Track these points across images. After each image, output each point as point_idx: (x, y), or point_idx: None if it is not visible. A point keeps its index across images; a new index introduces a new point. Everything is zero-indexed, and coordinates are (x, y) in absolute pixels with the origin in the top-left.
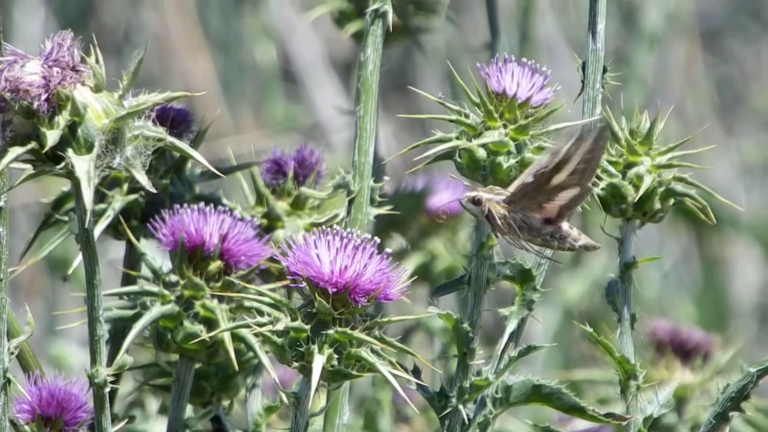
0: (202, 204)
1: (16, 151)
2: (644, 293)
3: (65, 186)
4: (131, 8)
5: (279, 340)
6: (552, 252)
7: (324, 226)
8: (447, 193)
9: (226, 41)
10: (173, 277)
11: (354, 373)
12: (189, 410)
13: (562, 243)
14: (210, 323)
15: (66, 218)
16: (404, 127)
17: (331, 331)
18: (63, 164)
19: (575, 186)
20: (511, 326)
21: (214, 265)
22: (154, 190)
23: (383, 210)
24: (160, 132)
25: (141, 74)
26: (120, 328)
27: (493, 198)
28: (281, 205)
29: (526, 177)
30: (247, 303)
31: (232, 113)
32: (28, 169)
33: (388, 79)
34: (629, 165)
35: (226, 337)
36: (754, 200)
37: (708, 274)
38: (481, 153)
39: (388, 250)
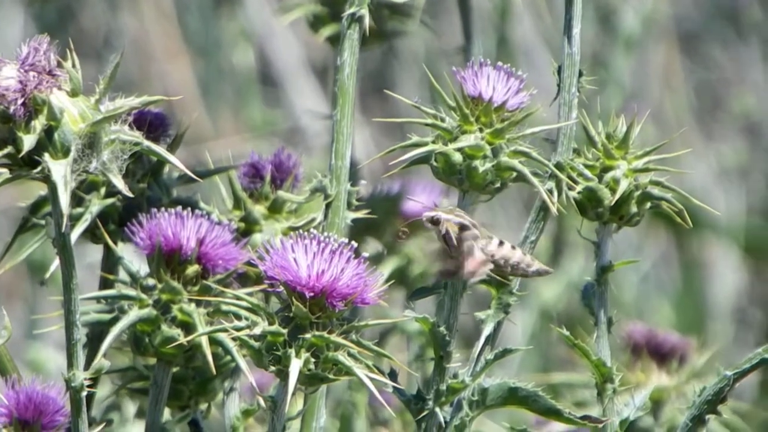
0: (179, 208)
1: None
2: (623, 296)
3: (43, 190)
4: (111, 13)
5: (256, 344)
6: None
7: (301, 230)
8: (423, 197)
9: (204, 45)
10: (151, 281)
11: (331, 376)
12: (167, 414)
13: (515, 269)
14: (187, 327)
15: (43, 222)
16: (382, 130)
17: (308, 335)
18: (39, 168)
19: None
20: (487, 329)
21: (192, 269)
22: (131, 194)
23: (360, 214)
24: (137, 136)
25: (121, 78)
26: (98, 332)
27: (452, 219)
28: (259, 209)
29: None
30: (224, 307)
31: (212, 117)
32: (5, 173)
33: (365, 82)
34: (606, 169)
35: (204, 341)
36: (732, 204)
37: (687, 277)
38: (457, 157)
39: (365, 254)
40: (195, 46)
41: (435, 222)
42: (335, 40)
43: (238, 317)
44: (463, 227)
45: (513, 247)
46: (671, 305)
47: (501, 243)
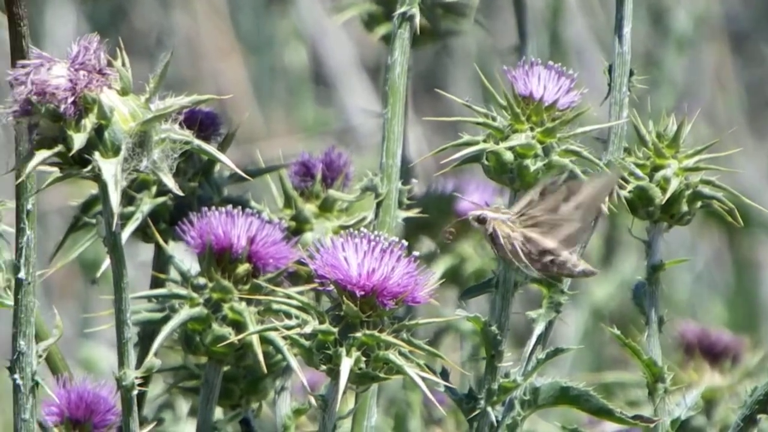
0: (230, 207)
1: (42, 154)
2: (675, 295)
3: (94, 189)
4: (163, 11)
5: (307, 343)
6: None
7: (352, 229)
8: (476, 196)
9: (257, 44)
10: (201, 280)
11: (381, 375)
12: (218, 413)
13: (561, 268)
14: (238, 326)
15: (94, 221)
16: (434, 128)
17: (358, 334)
18: (90, 167)
19: (577, 221)
20: (538, 328)
21: (242, 268)
22: (181, 193)
23: (412, 213)
24: (188, 135)
25: (172, 77)
26: (149, 331)
27: (499, 218)
28: (309, 208)
29: (533, 194)
30: (275, 306)
31: (264, 116)
32: (55, 172)
33: (417, 81)
34: (656, 168)
35: (255, 339)
36: None
37: (739, 276)
38: (508, 156)
39: (416, 252)
40: (247, 45)
41: (481, 221)
42: (390, 40)
43: (289, 316)
44: (511, 222)
45: (563, 246)
46: (724, 304)
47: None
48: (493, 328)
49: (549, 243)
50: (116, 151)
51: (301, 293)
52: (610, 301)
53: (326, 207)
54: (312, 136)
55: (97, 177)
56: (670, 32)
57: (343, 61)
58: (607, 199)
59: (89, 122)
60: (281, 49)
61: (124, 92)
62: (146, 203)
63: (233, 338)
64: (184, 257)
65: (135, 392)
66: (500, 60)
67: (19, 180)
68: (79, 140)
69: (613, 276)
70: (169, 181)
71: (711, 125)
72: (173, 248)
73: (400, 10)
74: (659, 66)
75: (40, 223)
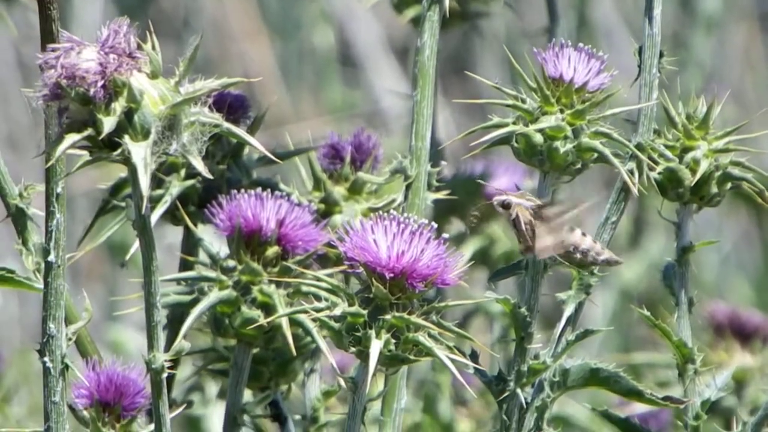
0: (259, 189)
1: (72, 137)
2: (703, 276)
3: (123, 172)
4: None
5: (336, 325)
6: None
7: (381, 211)
8: (505, 178)
9: (284, 26)
10: (230, 263)
11: (411, 357)
12: (247, 395)
13: (585, 257)
14: (267, 308)
15: (123, 204)
16: (463, 111)
17: (388, 316)
18: (120, 151)
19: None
20: (568, 310)
21: (272, 251)
22: (210, 176)
23: (441, 195)
24: (217, 118)
25: (199, 59)
26: (178, 314)
27: (523, 204)
28: (338, 190)
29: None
30: (304, 288)
31: (292, 99)
32: (85, 155)
33: (446, 63)
34: (686, 149)
35: (284, 322)
36: None
37: (767, 257)
38: (538, 138)
39: (446, 235)
40: (275, 27)
41: (506, 206)
42: (419, 22)
43: (318, 298)
44: (534, 210)
45: (583, 234)
46: (751, 285)
47: (572, 229)
48: (523, 309)
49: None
50: (146, 135)
51: (330, 275)
52: (638, 283)
53: (355, 189)
54: (340, 119)
55: (126, 160)
56: (699, 13)
57: (371, 43)
58: (636, 179)
59: (119, 106)
60: (309, 31)
61: (153, 75)
62: (175, 186)
63: (262, 321)
64: (213, 240)
65: (164, 375)
66: (529, 42)
67: (49, 163)
68: (108, 124)
69: (642, 257)
70: (199, 164)
71: (739, 106)
72: (202, 231)
73: None
74: (687, 47)
75: (67, 207)
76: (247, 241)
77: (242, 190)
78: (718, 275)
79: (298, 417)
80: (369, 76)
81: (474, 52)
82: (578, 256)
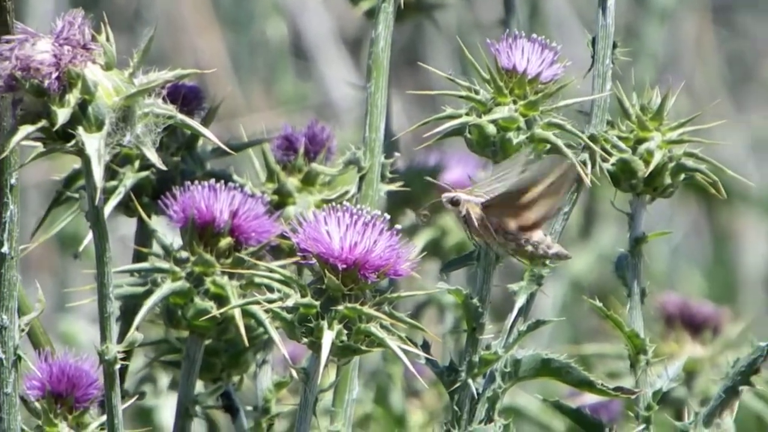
0: (212, 181)
1: (26, 129)
2: (654, 267)
3: (76, 163)
4: None
5: (289, 316)
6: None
7: (334, 203)
8: (458, 170)
9: (236, 18)
10: (184, 254)
11: (363, 348)
12: (199, 386)
13: (535, 250)
14: (220, 300)
15: (77, 195)
16: (414, 102)
17: (340, 307)
18: (73, 142)
19: (548, 198)
20: (520, 301)
21: (225, 242)
22: (164, 168)
23: (394, 186)
24: (171, 109)
25: (151, 51)
26: (131, 305)
27: (472, 200)
28: (292, 182)
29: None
30: (257, 279)
31: (243, 90)
32: (39, 147)
33: (398, 55)
34: (640, 140)
35: (237, 313)
36: (764, 174)
37: (718, 248)
38: (491, 129)
39: (398, 226)
40: (227, 19)
41: (455, 203)
42: (373, 14)
43: (271, 289)
44: (484, 205)
45: (536, 226)
46: (702, 276)
47: None
48: (475, 300)
49: (523, 222)
50: (100, 126)
51: (283, 267)
52: (588, 274)
53: (309, 181)
54: (291, 111)
55: (80, 152)
56: (652, 4)
57: (323, 35)
58: (589, 170)
59: (73, 97)
60: (261, 23)
61: (108, 67)
62: (129, 177)
63: (215, 312)
64: (166, 231)
65: (117, 366)
66: (481, 33)
67: (3, 155)
68: (63, 115)
69: (592, 248)
70: (153, 156)
71: (691, 97)
72: (156, 222)
73: None
74: (640, 38)
75: (20, 199)
76: (201, 232)
77: (196, 182)
78: (669, 266)
79: (249, 408)
80: (321, 69)
81: (425, 44)
82: (529, 248)
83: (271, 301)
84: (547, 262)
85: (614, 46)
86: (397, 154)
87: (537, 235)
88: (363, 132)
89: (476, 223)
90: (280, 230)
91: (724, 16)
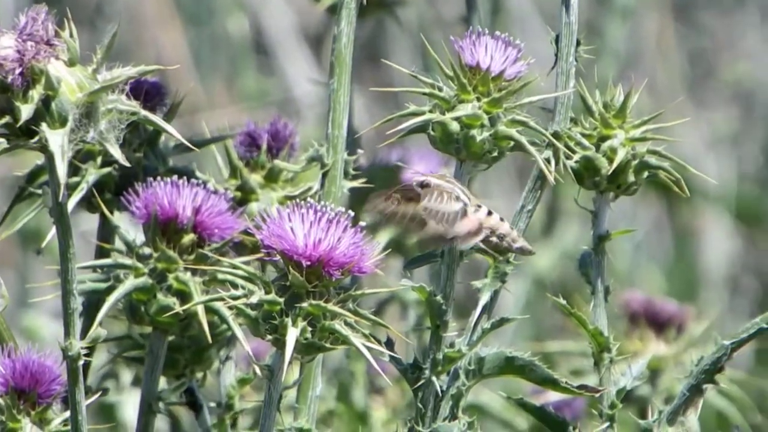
0: (175, 177)
1: None
2: (616, 264)
3: (39, 159)
4: None
5: (253, 313)
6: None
7: (298, 199)
8: (421, 167)
9: (198, 13)
10: (146, 250)
11: (327, 345)
12: (162, 382)
13: (501, 241)
14: (183, 296)
15: (40, 191)
16: (377, 99)
17: (304, 304)
18: (37, 138)
19: None
20: (484, 298)
21: (188, 238)
22: (127, 164)
23: (357, 183)
24: (134, 106)
25: (114, 47)
26: (93, 301)
27: (441, 185)
28: (255, 178)
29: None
30: (220, 276)
31: (205, 86)
32: (2, 142)
33: (361, 51)
34: (603, 138)
35: (200, 309)
36: (724, 172)
37: (679, 246)
38: (455, 126)
39: (362, 223)
40: (188, 14)
41: (425, 187)
42: (335, 10)
43: (235, 286)
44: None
45: (501, 219)
46: (664, 273)
47: (489, 213)
48: (438, 297)
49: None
50: (63, 122)
51: (246, 263)
52: (551, 271)
53: (272, 177)
54: (254, 107)
55: (43, 148)
56: (614, 2)
57: (284, 31)
58: (552, 167)
59: (36, 93)
60: (222, 18)
61: (71, 63)
62: (92, 173)
63: (178, 308)
64: (129, 227)
65: (81, 362)
66: (442, 30)
67: None
68: (26, 111)
69: (555, 246)
70: (115, 152)
71: (653, 95)
72: (118, 218)
73: None
74: (602, 36)
75: None
76: (163, 228)
77: (158, 178)
78: (631, 263)
79: (213, 404)
80: (283, 65)
81: (388, 41)
82: (494, 240)
83: (234, 298)
84: (512, 258)
85: (577, 43)
86: (360, 151)
87: (504, 227)
88: (326, 129)
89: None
90: (244, 226)
91: (685, 14)
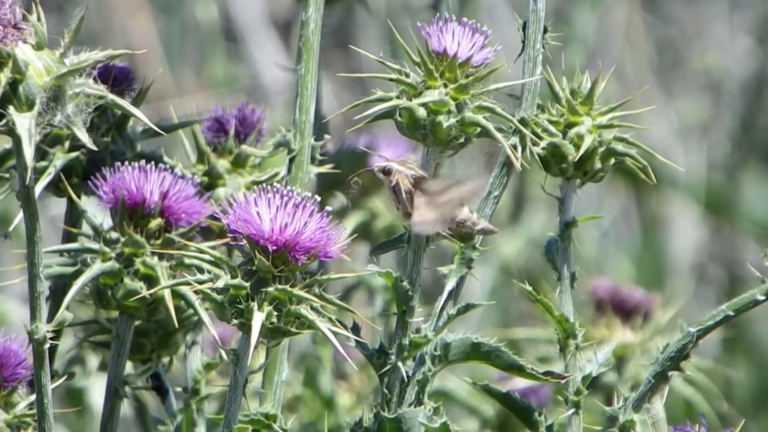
0: (143, 162)
1: None
2: (583, 252)
3: (6, 143)
4: None
5: (219, 298)
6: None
7: (265, 184)
8: (389, 153)
9: (167, 0)
10: (114, 235)
11: (293, 330)
12: (129, 367)
13: (462, 226)
14: (150, 280)
15: (7, 175)
16: (344, 85)
17: (270, 289)
18: (4, 122)
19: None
20: (450, 284)
21: (155, 223)
22: (95, 148)
23: (324, 168)
24: (101, 90)
25: (82, 32)
26: (60, 285)
27: (404, 171)
28: (222, 163)
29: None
30: (187, 260)
31: (174, 72)
32: None
33: (328, 37)
34: (570, 125)
35: (166, 294)
36: (692, 160)
37: (646, 233)
38: (422, 112)
39: (329, 208)
40: (157, 1)
41: (386, 172)
42: None
43: (201, 270)
44: (414, 179)
45: (461, 205)
46: (631, 261)
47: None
48: (405, 283)
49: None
50: (31, 106)
51: (213, 248)
52: (519, 258)
53: (239, 162)
54: (222, 93)
55: (11, 131)
56: None
57: (253, 17)
58: (519, 154)
59: (4, 76)
60: (192, 4)
61: (39, 47)
62: (59, 158)
63: (145, 292)
64: (96, 212)
65: (47, 346)
66: (410, 17)
67: None
68: None
69: (522, 232)
70: (83, 136)
71: (621, 83)
72: (86, 203)
73: None
74: (570, 23)
75: None
76: (131, 213)
77: (126, 163)
78: (598, 251)
79: (179, 389)
80: (251, 51)
81: (356, 27)
82: (454, 226)
83: (201, 282)
84: (478, 243)
85: (544, 30)
86: (327, 136)
87: (464, 213)
88: (293, 114)
89: (404, 196)
90: (211, 211)
91: (653, 3)
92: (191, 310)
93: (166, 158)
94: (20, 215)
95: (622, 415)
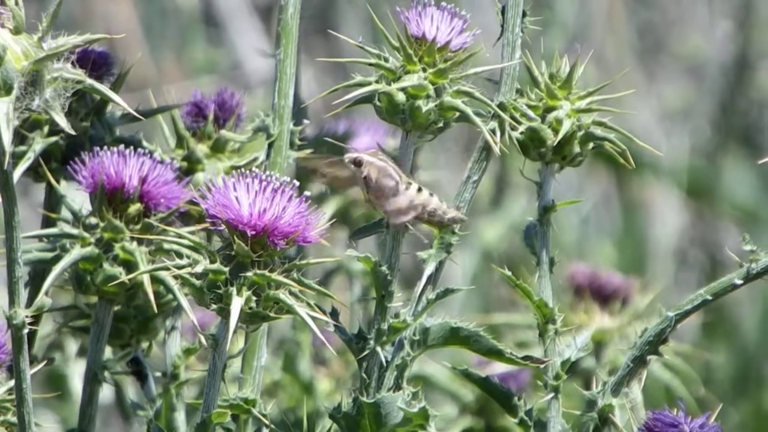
0: (122, 147)
1: None
2: (563, 237)
3: None
4: None
5: (198, 283)
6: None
7: (244, 169)
8: (368, 137)
9: None
10: (93, 220)
11: (272, 315)
12: (108, 352)
13: (432, 216)
14: (129, 265)
15: None
16: (325, 70)
17: (249, 274)
18: None
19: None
20: (429, 269)
21: (134, 208)
22: (73, 133)
23: (303, 153)
24: (80, 74)
25: (63, 17)
26: (39, 270)
27: (375, 162)
28: (201, 148)
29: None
30: (166, 245)
31: (154, 57)
32: None
33: (309, 22)
34: (549, 109)
35: (145, 279)
36: (674, 145)
37: (627, 218)
38: (401, 97)
39: (308, 193)
40: None
41: (357, 164)
42: None
43: (180, 255)
44: (384, 170)
45: (431, 194)
46: (612, 246)
47: (420, 189)
48: (384, 268)
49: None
50: (8, 90)
51: (192, 233)
52: (499, 243)
53: (218, 147)
54: (202, 78)
55: None
56: None
57: (234, 2)
58: (498, 138)
59: None
60: None
61: (16, 31)
62: (38, 142)
63: (124, 278)
64: (75, 197)
65: (26, 331)
66: (391, 3)
67: None
68: None
69: (503, 218)
70: (62, 121)
71: (602, 68)
72: (65, 188)
73: None
74: (550, 7)
75: None
76: (110, 198)
77: (105, 147)
78: (578, 236)
79: (158, 374)
80: (231, 36)
81: (337, 12)
82: (425, 216)
83: (180, 267)
84: (456, 228)
85: (523, 14)
86: (306, 121)
87: (434, 202)
88: (272, 99)
89: (375, 186)
90: (190, 196)
91: None
92: (170, 296)
93: (145, 143)
94: None
95: (601, 400)
